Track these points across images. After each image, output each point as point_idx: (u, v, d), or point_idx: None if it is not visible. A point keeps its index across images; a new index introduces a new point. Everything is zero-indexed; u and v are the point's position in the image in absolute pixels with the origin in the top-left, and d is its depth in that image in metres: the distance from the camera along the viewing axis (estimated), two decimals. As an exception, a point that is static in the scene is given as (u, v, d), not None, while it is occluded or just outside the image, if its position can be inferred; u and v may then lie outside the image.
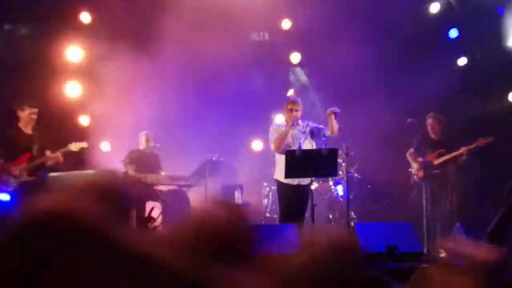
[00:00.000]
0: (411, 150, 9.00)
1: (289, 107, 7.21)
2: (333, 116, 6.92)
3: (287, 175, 6.78)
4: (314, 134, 7.25)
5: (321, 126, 7.27)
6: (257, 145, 11.04)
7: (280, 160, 7.09)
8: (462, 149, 8.35)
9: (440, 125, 8.77)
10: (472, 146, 8.33)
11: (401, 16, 9.93)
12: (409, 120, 8.65)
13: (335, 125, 6.97)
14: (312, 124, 7.32)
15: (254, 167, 10.38)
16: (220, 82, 10.15)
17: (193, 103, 10.30)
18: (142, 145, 9.33)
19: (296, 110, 7.13)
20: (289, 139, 7.09)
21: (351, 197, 8.03)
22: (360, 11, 10.07)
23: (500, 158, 8.91)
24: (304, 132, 7.23)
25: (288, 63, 11.17)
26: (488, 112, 9.61)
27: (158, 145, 9.37)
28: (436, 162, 8.63)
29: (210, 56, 9.32)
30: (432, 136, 8.82)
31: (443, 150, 8.61)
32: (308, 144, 7.20)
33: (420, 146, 8.66)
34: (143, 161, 9.12)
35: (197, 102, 10.31)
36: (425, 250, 6.90)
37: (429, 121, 8.77)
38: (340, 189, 10.01)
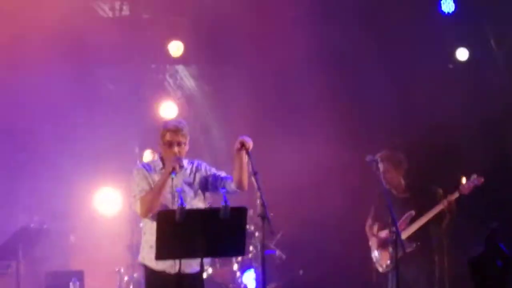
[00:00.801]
0: (369, 220, 9.06)
1: (168, 138, 7.12)
2: (243, 153, 6.85)
3: (159, 255, 6.59)
4: (208, 185, 7.19)
5: (221, 173, 7.22)
6: (105, 203, 11.04)
7: (149, 231, 7.03)
8: (442, 203, 8.52)
9: (398, 169, 8.90)
10: (455, 196, 8.51)
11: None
12: (368, 157, 8.61)
13: (244, 170, 6.91)
14: (205, 167, 7.26)
15: (102, 241, 10.54)
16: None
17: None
18: None
19: (179, 144, 7.04)
20: (166, 195, 6.98)
21: (270, 291, 7.83)
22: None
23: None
24: (191, 182, 7.17)
25: (164, 57, 11.40)
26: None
27: None
28: (406, 234, 8.65)
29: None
30: (393, 191, 8.91)
31: (413, 213, 8.70)
32: (198, 202, 7.14)
33: (386, 206, 8.57)
34: None
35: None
36: None
37: (381, 166, 8.58)
38: (249, 278, 9.99)
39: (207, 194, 7.23)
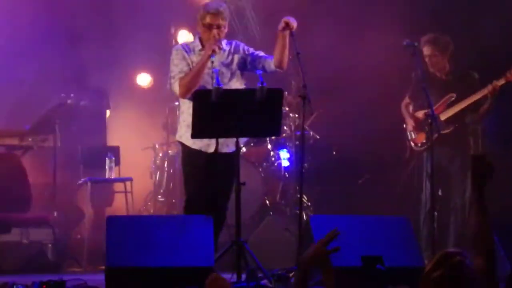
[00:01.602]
0: (406, 99, 9.04)
1: (208, 20, 7.06)
2: (287, 33, 6.80)
3: (195, 134, 6.66)
4: (246, 65, 7.15)
5: (259, 52, 7.16)
6: (143, 79, 11.20)
7: (187, 111, 7.06)
8: (488, 88, 8.41)
9: (445, 53, 8.80)
10: (501, 83, 8.37)
11: None
12: (406, 42, 8.52)
13: (286, 50, 6.87)
14: (244, 48, 7.20)
15: (138, 119, 10.67)
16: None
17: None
18: None
19: (219, 27, 6.97)
20: (204, 76, 6.95)
21: (304, 170, 7.86)
22: None
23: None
24: (229, 63, 7.12)
25: None
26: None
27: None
28: (444, 116, 8.69)
29: None
30: (436, 73, 8.87)
31: (454, 95, 8.69)
32: (236, 83, 7.13)
33: (422, 90, 8.56)
34: None
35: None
36: (426, 263, 6.90)
37: (426, 49, 8.74)
38: (284, 156, 10.04)
39: (245, 74, 7.21)
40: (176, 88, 6.95)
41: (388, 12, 9.93)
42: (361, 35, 9.99)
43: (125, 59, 10.82)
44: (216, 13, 6.96)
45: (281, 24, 6.77)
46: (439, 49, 8.79)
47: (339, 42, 9.91)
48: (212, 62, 6.84)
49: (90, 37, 10.57)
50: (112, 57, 10.60)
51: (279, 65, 6.93)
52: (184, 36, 10.53)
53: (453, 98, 8.69)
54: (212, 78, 6.81)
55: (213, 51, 6.79)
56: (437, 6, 9.95)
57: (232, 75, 7.10)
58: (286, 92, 9.02)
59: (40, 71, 10.42)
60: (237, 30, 11.08)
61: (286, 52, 6.91)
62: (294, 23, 6.77)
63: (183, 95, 6.97)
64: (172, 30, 10.60)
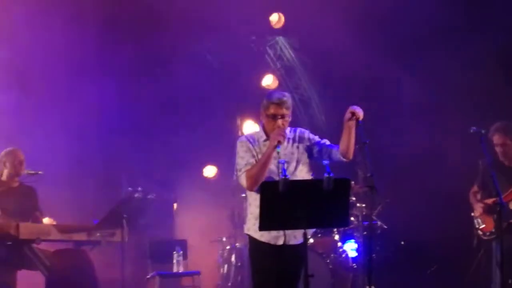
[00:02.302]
0: (475, 187, 8.99)
1: (272, 111, 7.04)
2: (353, 123, 6.72)
3: (263, 226, 6.53)
4: (313, 154, 7.07)
5: (325, 141, 7.10)
6: (210, 172, 11.41)
7: (254, 203, 7.00)
8: None
9: None
10: None
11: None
12: (472, 129, 8.47)
13: (352, 140, 6.79)
14: (308, 135, 7.14)
15: (205, 211, 10.68)
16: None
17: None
18: (5, 172, 9.18)
19: (283, 116, 6.92)
20: (271, 166, 6.86)
21: (372, 260, 7.76)
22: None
23: None
24: (294, 152, 7.05)
25: (264, 28, 11.44)
26: None
27: (40, 171, 9.21)
28: (513, 205, 8.73)
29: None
30: (505, 162, 8.84)
31: (525, 184, 8.70)
32: (302, 171, 7.04)
33: (490, 178, 8.45)
34: (8, 199, 9.00)
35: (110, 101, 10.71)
36: None
37: (496, 137, 8.76)
38: (351, 248, 9.97)
39: (311, 163, 7.13)
40: (243, 180, 6.93)
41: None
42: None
43: (192, 150, 10.90)
44: (280, 103, 6.93)
45: (347, 114, 6.73)
46: (510, 138, 8.80)
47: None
48: (278, 152, 6.79)
49: (157, 129, 10.71)
50: (179, 149, 10.70)
51: (345, 155, 6.86)
52: (249, 126, 10.61)
53: None
54: (278, 169, 6.77)
55: (279, 141, 6.74)
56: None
57: (298, 163, 7.04)
58: (353, 182, 8.99)
59: (107, 163, 10.56)
60: (302, 120, 11.16)
61: (352, 142, 6.84)
62: (360, 113, 6.72)
63: (251, 187, 6.92)
64: (238, 121, 10.67)
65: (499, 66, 10.40)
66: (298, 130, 7.17)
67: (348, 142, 6.82)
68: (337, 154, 6.90)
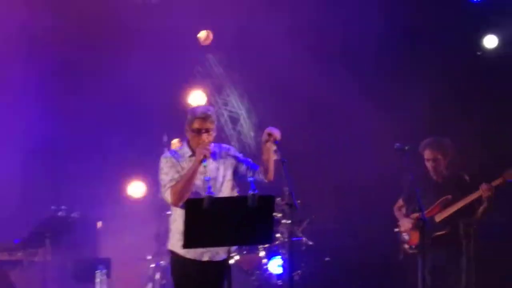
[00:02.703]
0: (400, 201, 9.10)
1: (196, 125, 7.08)
2: (271, 144, 6.80)
3: (187, 244, 6.49)
4: (238, 171, 7.14)
5: (248, 160, 7.17)
6: (135, 189, 11.12)
7: (179, 219, 6.92)
8: (482, 189, 8.46)
9: (446, 157, 8.89)
10: (497, 183, 8.45)
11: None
12: (397, 145, 8.58)
13: (271, 161, 6.89)
14: (234, 153, 7.20)
15: (129, 229, 10.57)
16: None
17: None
18: None
19: (207, 130, 6.96)
20: (197, 182, 6.90)
21: (296, 277, 7.78)
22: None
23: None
24: (220, 168, 7.09)
25: (192, 45, 11.40)
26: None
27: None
28: (440, 217, 8.71)
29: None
30: (434, 177, 8.94)
31: (450, 197, 8.70)
32: (227, 188, 7.09)
33: (414, 194, 8.57)
34: None
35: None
36: None
37: (427, 153, 8.89)
38: (277, 264, 9.87)
39: (236, 179, 7.18)
40: (168, 196, 6.91)
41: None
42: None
43: (117, 167, 10.85)
44: (205, 117, 6.97)
45: (264, 136, 6.82)
46: (441, 153, 8.88)
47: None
48: (205, 166, 6.83)
49: (81, 145, 10.62)
50: (103, 166, 10.63)
51: (266, 175, 6.96)
52: (177, 145, 10.57)
53: (449, 199, 8.70)
54: (204, 184, 6.77)
55: (205, 156, 6.77)
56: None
57: (223, 179, 7.08)
58: (279, 198, 9.02)
59: (29, 183, 10.44)
60: (231, 136, 11.18)
61: (272, 163, 6.93)
62: (277, 134, 6.79)
63: (176, 203, 6.91)
64: (165, 138, 10.62)
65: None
66: (224, 146, 7.24)
67: (267, 163, 6.92)
68: (259, 174, 6.99)
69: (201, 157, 6.75)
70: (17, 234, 9.40)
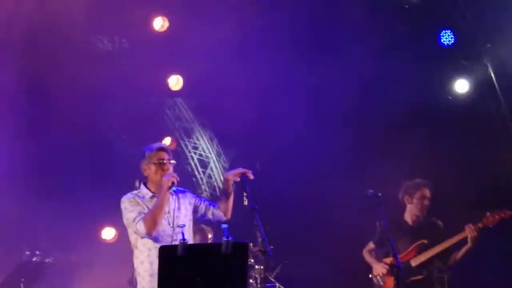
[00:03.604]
0: (370, 244, 9.10)
1: (161, 155, 7.14)
2: (232, 183, 7.01)
3: None
4: (197, 210, 7.23)
5: (205, 199, 7.31)
6: (108, 233, 11.14)
7: (147, 259, 7.04)
8: (468, 229, 8.44)
9: (422, 202, 8.92)
10: (478, 226, 8.45)
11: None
12: (370, 192, 8.63)
13: (231, 200, 7.06)
14: (190, 194, 7.30)
15: (104, 274, 10.39)
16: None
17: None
18: None
19: (170, 162, 7.10)
20: (165, 225, 6.92)
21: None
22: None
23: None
24: (181, 207, 7.12)
25: (162, 90, 11.42)
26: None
27: None
28: (416, 262, 8.71)
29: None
30: (409, 221, 8.98)
31: (426, 242, 8.74)
32: (189, 228, 7.10)
33: (387, 238, 8.58)
34: None
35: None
36: None
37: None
38: None
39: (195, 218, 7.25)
40: (141, 227, 6.90)
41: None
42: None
43: (90, 212, 10.77)
44: (165, 148, 7.22)
45: (234, 176, 7.00)
46: (415, 199, 8.95)
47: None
48: (174, 191, 6.97)
49: (55, 189, 10.57)
50: (78, 211, 10.56)
51: (225, 214, 7.10)
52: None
53: (425, 243, 8.74)
54: (169, 223, 6.89)
55: (172, 182, 6.86)
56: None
57: (185, 219, 7.10)
58: (251, 244, 9.01)
59: (4, 225, 10.35)
60: (200, 179, 11.21)
61: (231, 200, 7.10)
62: (251, 176, 6.95)
63: (150, 232, 6.90)
64: (136, 183, 10.59)
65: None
66: (179, 189, 7.24)
67: (228, 203, 7.13)
68: (218, 211, 7.14)
69: (169, 183, 6.86)
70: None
